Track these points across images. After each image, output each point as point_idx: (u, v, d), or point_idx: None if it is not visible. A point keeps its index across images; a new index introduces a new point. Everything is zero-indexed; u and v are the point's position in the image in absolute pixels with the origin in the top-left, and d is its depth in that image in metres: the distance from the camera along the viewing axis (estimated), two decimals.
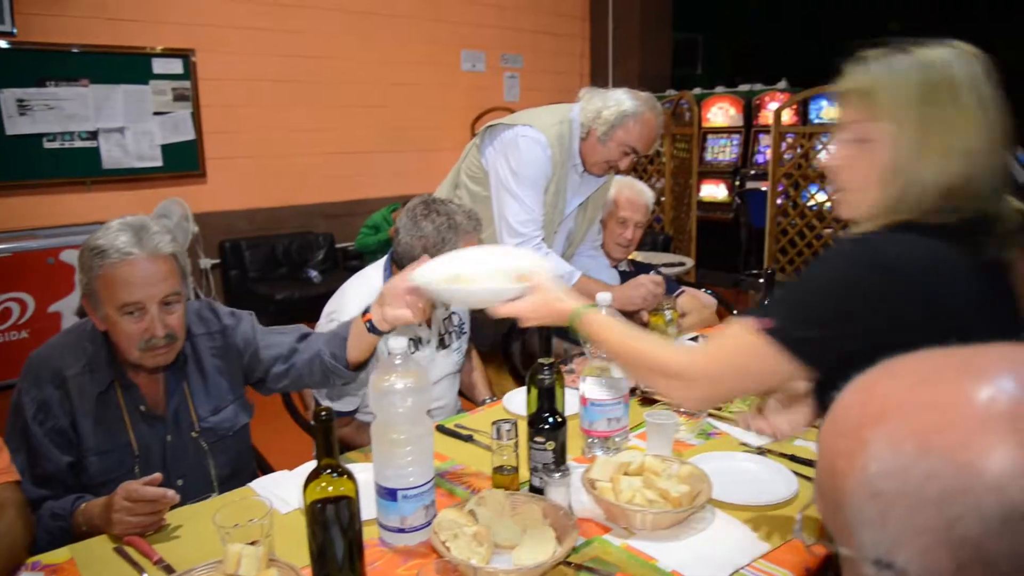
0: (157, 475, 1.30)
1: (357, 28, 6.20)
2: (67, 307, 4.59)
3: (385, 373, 1.23)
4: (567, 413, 1.51)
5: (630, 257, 2.93)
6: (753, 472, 1.50)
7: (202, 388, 1.61)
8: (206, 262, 5.56)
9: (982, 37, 1.13)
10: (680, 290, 2.84)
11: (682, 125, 5.32)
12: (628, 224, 2.70)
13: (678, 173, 5.24)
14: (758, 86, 6.63)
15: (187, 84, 5.42)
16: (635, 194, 2.73)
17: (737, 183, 6.56)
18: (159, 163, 5.38)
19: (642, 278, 2.38)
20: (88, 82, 5.01)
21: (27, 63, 4.76)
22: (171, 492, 1.29)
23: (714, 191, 6.76)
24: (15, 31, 4.69)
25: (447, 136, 6.76)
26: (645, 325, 2.46)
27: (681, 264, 4.24)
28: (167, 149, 5.40)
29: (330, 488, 1.07)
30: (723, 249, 6.53)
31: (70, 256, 4.58)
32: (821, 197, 5.05)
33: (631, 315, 2.45)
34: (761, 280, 2.11)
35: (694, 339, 2.40)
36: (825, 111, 5.87)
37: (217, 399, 1.63)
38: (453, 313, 2.16)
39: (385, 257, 2.07)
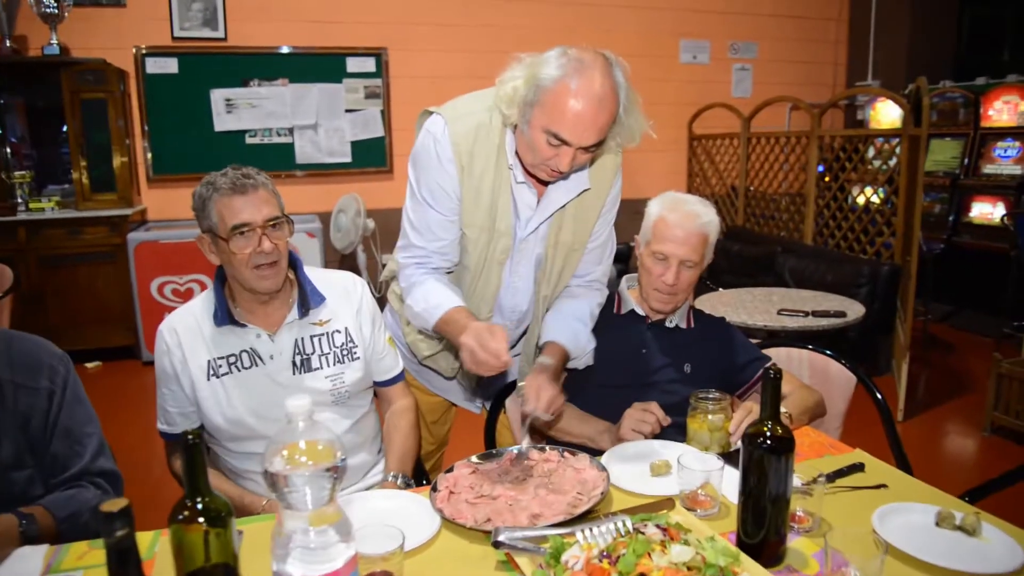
0: None
1: (557, 20, 5.83)
2: None
3: None
4: None
5: (693, 305, 2.02)
6: None
7: None
8: (387, 257, 5.62)
9: None
10: (769, 363, 1.95)
11: (926, 125, 4.09)
12: (670, 262, 1.81)
13: (914, 186, 4.03)
14: None
15: (379, 82, 5.52)
16: (683, 217, 1.82)
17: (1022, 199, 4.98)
18: (348, 159, 5.57)
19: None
20: (287, 81, 5.32)
21: (234, 65, 5.19)
22: None
23: (989, 210, 5.21)
24: (226, 36, 5.12)
25: (659, 136, 6.08)
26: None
27: (839, 314, 2.97)
28: (357, 145, 5.57)
29: None
30: (993, 288, 5.00)
31: None
32: None
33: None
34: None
35: (725, 456, 1.41)
36: None
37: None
38: (336, 332, 1.66)
39: None
